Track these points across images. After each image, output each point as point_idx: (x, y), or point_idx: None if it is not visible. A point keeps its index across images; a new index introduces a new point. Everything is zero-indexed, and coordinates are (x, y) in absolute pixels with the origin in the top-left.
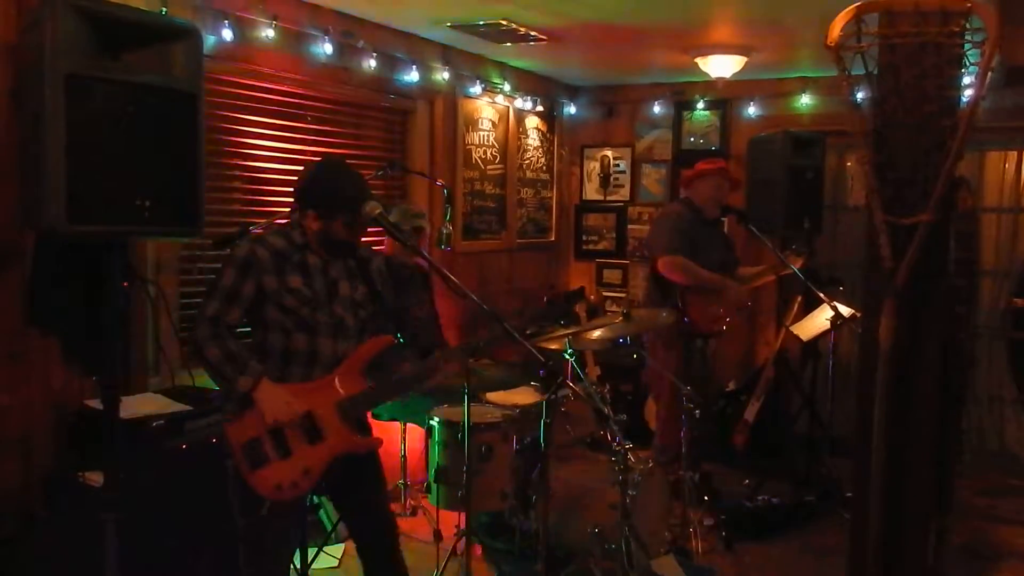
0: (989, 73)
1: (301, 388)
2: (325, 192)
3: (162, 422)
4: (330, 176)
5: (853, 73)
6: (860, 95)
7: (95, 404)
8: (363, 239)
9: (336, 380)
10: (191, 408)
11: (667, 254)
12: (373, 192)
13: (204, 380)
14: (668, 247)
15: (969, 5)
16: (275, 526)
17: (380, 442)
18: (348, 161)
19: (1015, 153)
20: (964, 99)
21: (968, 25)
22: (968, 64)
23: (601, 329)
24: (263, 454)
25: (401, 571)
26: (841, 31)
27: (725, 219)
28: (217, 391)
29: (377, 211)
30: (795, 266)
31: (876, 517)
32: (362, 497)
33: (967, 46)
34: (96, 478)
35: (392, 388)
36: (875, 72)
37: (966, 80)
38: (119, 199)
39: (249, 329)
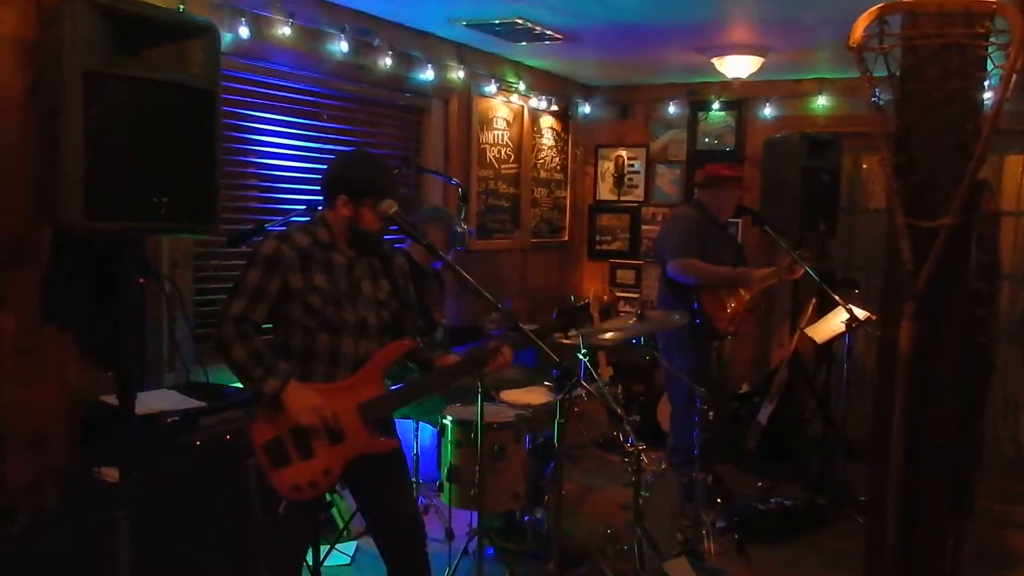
0: (1014, 76)
1: (324, 389)
2: (356, 176)
3: (176, 418)
4: (361, 161)
5: (875, 75)
6: (881, 97)
7: (110, 400)
8: (386, 235)
9: (358, 382)
10: (205, 404)
11: (678, 257)
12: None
13: (219, 376)
14: (679, 250)
15: (994, 6)
16: (289, 524)
17: (397, 443)
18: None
19: None
20: (987, 102)
21: (993, 27)
22: (992, 66)
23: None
24: (285, 454)
25: (423, 570)
26: (863, 32)
27: (740, 221)
28: (231, 388)
29: (393, 209)
30: (799, 269)
31: (893, 522)
32: (384, 491)
33: (991, 48)
34: (111, 473)
35: (410, 393)
36: (897, 74)
37: (988, 83)
38: (135, 196)
39: (270, 327)
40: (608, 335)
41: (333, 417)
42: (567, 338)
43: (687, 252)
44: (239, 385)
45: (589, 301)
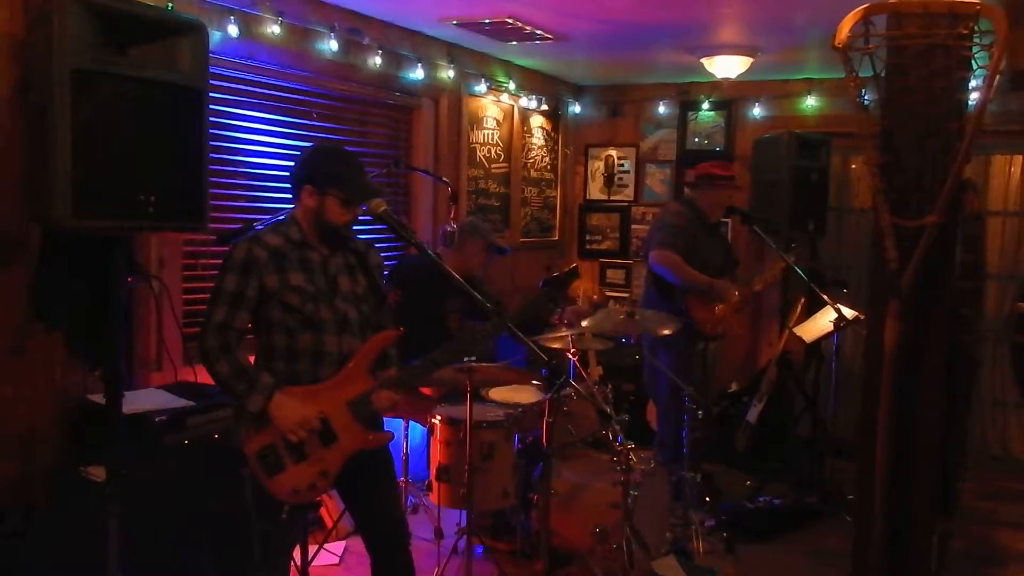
0: (997, 76)
1: (311, 391)
2: (318, 165)
3: (164, 417)
4: (323, 152)
5: (860, 75)
6: (867, 96)
7: (98, 399)
8: (358, 232)
9: (345, 379)
10: (193, 403)
11: (660, 248)
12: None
13: (207, 376)
14: (662, 242)
15: (978, 7)
16: (281, 525)
17: (391, 436)
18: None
19: (1020, 157)
20: (971, 102)
21: (977, 28)
22: (976, 67)
23: (605, 325)
24: (279, 460)
25: (408, 569)
26: (849, 32)
27: (729, 220)
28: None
29: (382, 208)
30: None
31: (880, 520)
32: (370, 491)
33: (975, 49)
34: (99, 473)
35: (401, 382)
36: (882, 74)
37: (972, 83)
38: (124, 194)
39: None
40: (597, 333)
41: (322, 421)
42: (558, 338)
43: (670, 245)
44: None
45: (576, 266)
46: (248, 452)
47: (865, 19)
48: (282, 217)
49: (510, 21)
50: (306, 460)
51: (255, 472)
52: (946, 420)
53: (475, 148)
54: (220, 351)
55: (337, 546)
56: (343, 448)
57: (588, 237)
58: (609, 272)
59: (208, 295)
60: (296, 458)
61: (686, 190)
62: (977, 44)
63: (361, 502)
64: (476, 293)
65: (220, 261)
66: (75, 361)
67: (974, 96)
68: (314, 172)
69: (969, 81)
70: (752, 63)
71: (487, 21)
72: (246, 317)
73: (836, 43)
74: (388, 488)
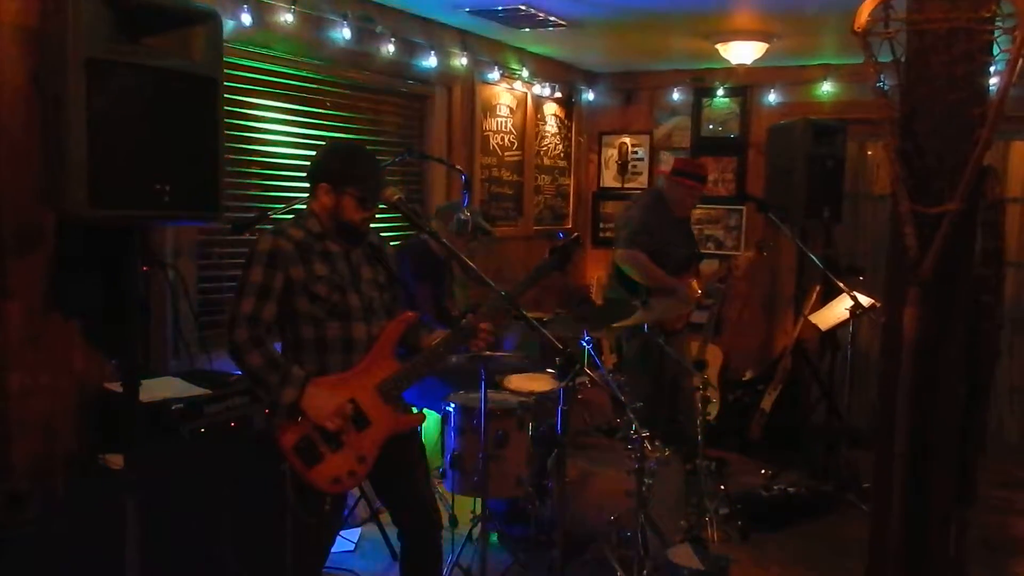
0: (1020, 61)
1: (340, 379)
2: (336, 164)
3: (181, 405)
4: (341, 150)
5: (880, 60)
6: (887, 82)
7: (115, 387)
8: (374, 224)
9: (372, 363)
10: (210, 391)
11: (627, 247)
12: (390, 178)
13: (223, 363)
14: (630, 240)
15: None
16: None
17: (424, 418)
18: (366, 147)
19: None
20: (993, 87)
21: (999, 11)
22: (998, 51)
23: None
24: (316, 451)
25: (438, 553)
26: (869, 16)
27: (744, 207)
28: (235, 375)
29: (396, 197)
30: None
31: (898, 509)
32: (405, 477)
33: (997, 32)
34: (116, 461)
35: (426, 361)
36: (903, 59)
37: (994, 68)
38: (139, 183)
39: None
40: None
41: (354, 408)
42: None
43: (637, 244)
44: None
45: (578, 235)
46: (285, 446)
47: (885, 2)
48: (300, 207)
49: (523, 8)
50: (343, 448)
51: (294, 465)
52: (965, 409)
53: (488, 136)
54: (252, 343)
55: (352, 533)
56: (378, 432)
57: (602, 225)
58: None
59: (227, 280)
60: (333, 447)
61: (659, 178)
62: (1000, 28)
63: (397, 488)
64: (490, 282)
65: (235, 250)
66: (92, 350)
67: (995, 81)
68: (331, 171)
69: (991, 66)
70: (767, 49)
71: (500, 8)
72: (274, 308)
73: (856, 27)
74: (422, 473)
